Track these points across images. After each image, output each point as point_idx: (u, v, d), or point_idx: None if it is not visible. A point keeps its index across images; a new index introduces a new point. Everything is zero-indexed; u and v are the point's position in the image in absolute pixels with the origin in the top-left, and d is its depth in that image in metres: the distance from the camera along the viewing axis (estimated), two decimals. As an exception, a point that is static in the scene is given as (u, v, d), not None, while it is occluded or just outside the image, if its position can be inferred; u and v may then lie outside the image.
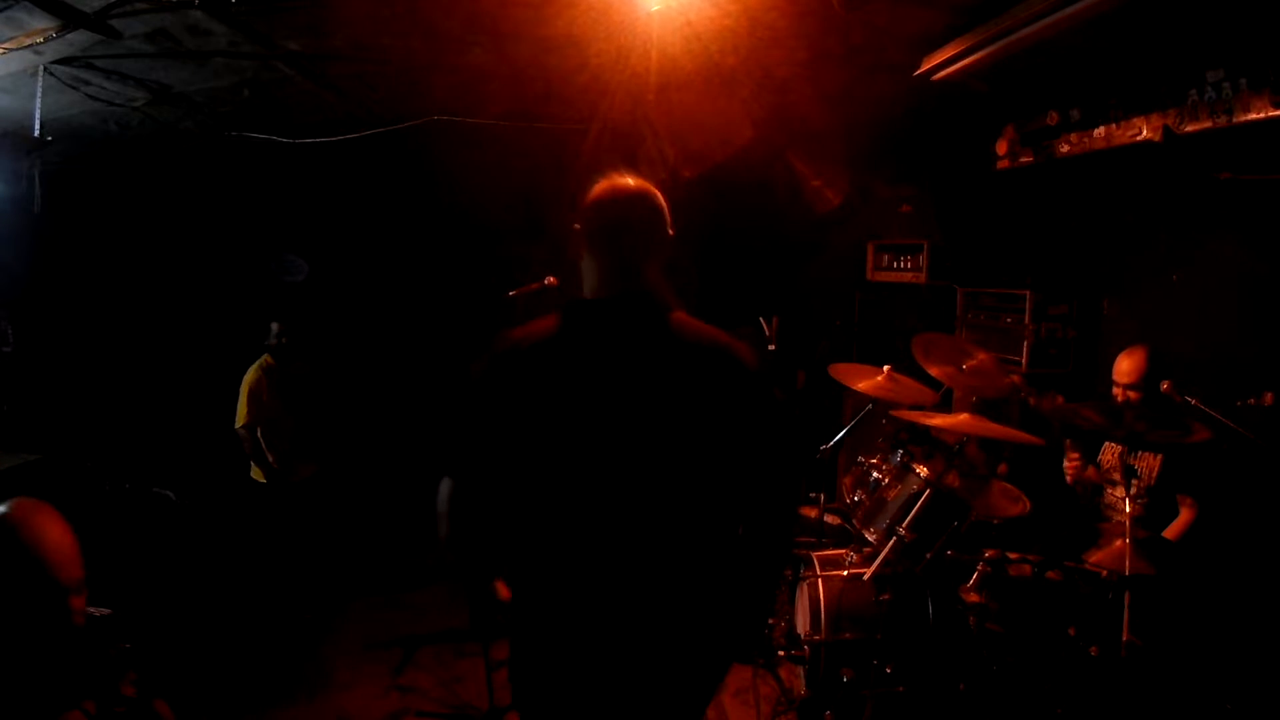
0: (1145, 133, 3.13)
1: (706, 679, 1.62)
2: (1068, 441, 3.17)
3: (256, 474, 4.08)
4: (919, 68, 3.16)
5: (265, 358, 4.12)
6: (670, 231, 1.62)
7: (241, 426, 3.99)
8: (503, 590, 1.63)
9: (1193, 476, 2.87)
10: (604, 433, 1.47)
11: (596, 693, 1.54)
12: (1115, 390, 2.99)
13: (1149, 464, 2.97)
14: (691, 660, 1.56)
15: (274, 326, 4.12)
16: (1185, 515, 2.87)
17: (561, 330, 1.52)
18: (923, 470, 2.93)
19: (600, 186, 1.61)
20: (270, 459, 4.00)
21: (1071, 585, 2.70)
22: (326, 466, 4.32)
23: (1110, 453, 3.11)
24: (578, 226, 1.60)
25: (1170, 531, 2.88)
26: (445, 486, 1.58)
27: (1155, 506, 2.94)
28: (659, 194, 1.62)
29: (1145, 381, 2.89)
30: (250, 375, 4.05)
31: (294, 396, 4.15)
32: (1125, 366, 2.95)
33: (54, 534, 1.52)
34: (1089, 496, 3.14)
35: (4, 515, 1.49)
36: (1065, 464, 3.14)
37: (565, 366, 1.49)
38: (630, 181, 1.60)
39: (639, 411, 1.46)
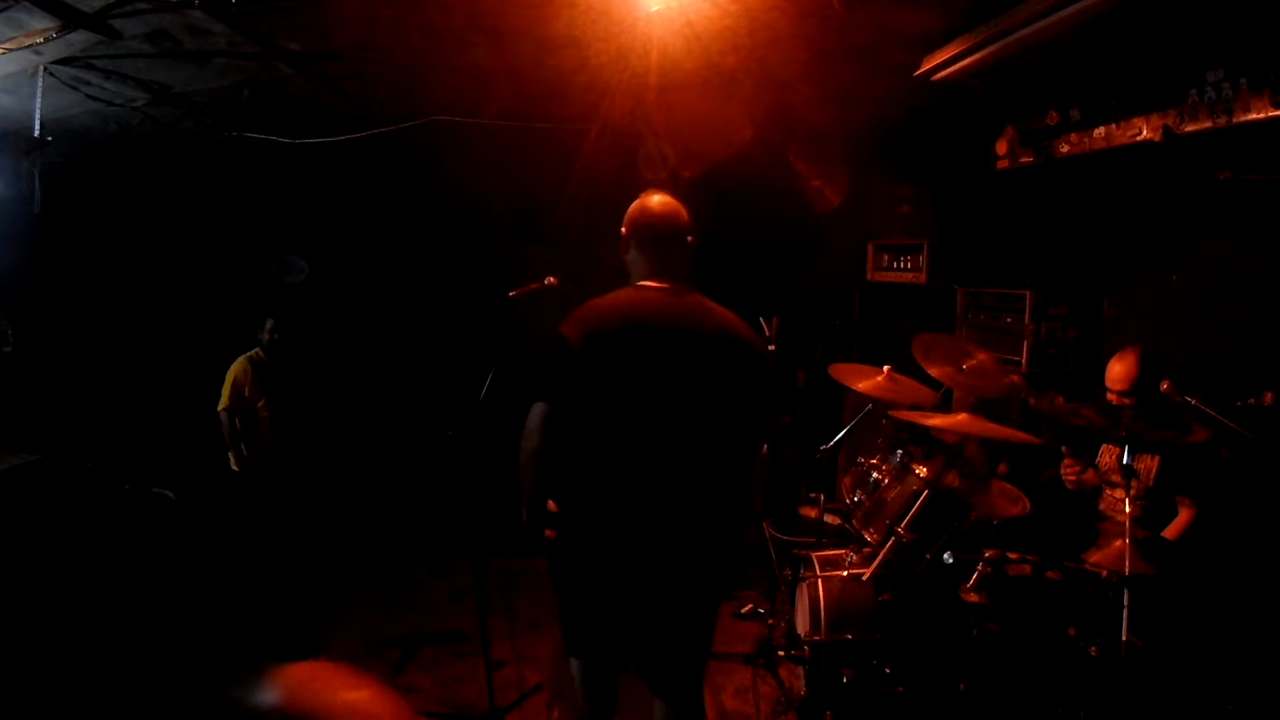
0: (1145, 133, 3.13)
1: (715, 577, 2.14)
2: (1064, 449, 3.16)
3: (232, 462, 4.16)
4: (919, 68, 3.15)
5: (255, 351, 4.18)
6: (691, 238, 2.17)
7: (222, 410, 4.08)
8: (551, 505, 2.10)
9: (1191, 477, 2.87)
10: (656, 378, 2.00)
11: (632, 578, 2.03)
12: (1109, 396, 2.94)
13: (1147, 464, 2.96)
14: (704, 557, 2.08)
15: (268, 322, 4.17)
16: (1184, 515, 2.86)
17: (629, 303, 2.08)
18: (922, 470, 2.93)
19: (647, 201, 2.19)
20: (243, 447, 4.08)
21: (1071, 585, 2.70)
22: (310, 463, 4.37)
23: (1109, 454, 3.10)
24: (626, 231, 2.18)
25: (1169, 532, 2.87)
26: (540, 409, 2.00)
27: (1154, 507, 2.93)
28: (685, 209, 2.19)
29: (1137, 387, 2.83)
30: (237, 365, 4.13)
31: (277, 393, 4.19)
32: (1117, 372, 2.89)
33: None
34: (1089, 498, 3.14)
35: (276, 709, 0.86)
36: (1063, 472, 3.12)
37: (634, 328, 2.02)
38: (667, 199, 2.18)
39: (679, 365, 2.01)
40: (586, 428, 2.00)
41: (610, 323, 2.02)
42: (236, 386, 4.10)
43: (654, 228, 2.14)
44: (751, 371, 2.07)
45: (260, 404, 4.15)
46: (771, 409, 2.25)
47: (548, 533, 2.11)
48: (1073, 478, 3.07)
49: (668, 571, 2.04)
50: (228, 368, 4.20)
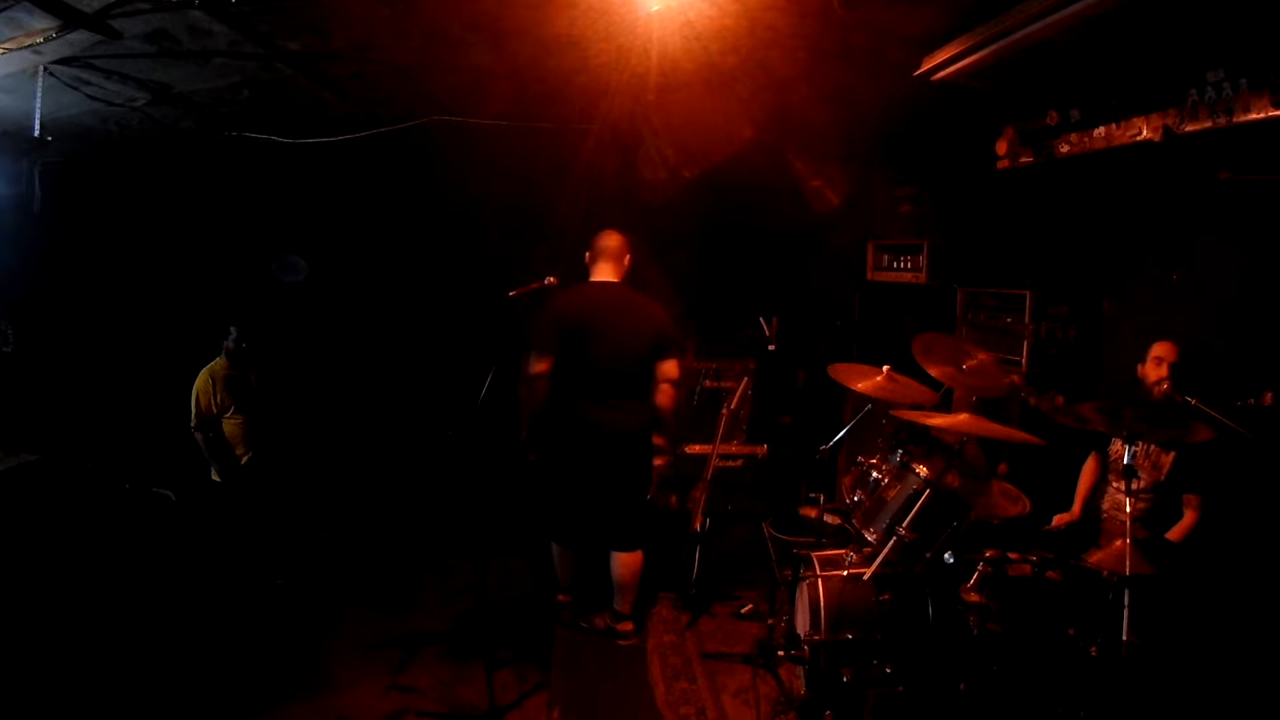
0: (1145, 133, 3.13)
1: (641, 472, 3.42)
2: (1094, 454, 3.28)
3: (214, 474, 4.15)
4: (919, 68, 3.16)
5: (218, 360, 4.12)
6: (629, 256, 3.46)
7: (194, 429, 4.04)
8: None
9: (1204, 474, 2.87)
10: (600, 334, 3.28)
11: (589, 472, 3.36)
12: (1149, 370, 3.08)
13: (1162, 460, 2.97)
14: (633, 458, 3.40)
15: (232, 330, 4.10)
16: (1189, 517, 2.87)
17: (587, 290, 3.39)
18: (922, 470, 2.93)
19: (603, 232, 3.42)
20: (221, 460, 4.08)
21: (1071, 585, 2.70)
22: (301, 466, 4.38)
23: (1120, 445, 3.10)
24: (590, 252, 3.43)
25: (1173, 534, 2.87)
26: (535, 358, 3.22)
27: (1163, 503, 2.93)
28: (626, 238, 3.44)
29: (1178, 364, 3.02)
30: (198, 380, 4.07)
31: (249, 400, 4.17)
32: (1165, 348, 3.07)
33: None
34: (1092, 498, 3.15)
35: None
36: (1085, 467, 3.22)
37: (589, 304, 3.31)
38: (615, 231, 3.44)
39: (619, 327, 3.30)
40: (564, 370, 3.25)
41: (573, 296, 3.30)
42: (200, 402, 4.05)
43: (603, 249, 3.42)
44: (653, 324, 3.31)
45: (229, 413, 4.13)
46: (669, 348, 3.33)
47: (529, 456, 3.34)
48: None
49: (609, 468, 3.33)
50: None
